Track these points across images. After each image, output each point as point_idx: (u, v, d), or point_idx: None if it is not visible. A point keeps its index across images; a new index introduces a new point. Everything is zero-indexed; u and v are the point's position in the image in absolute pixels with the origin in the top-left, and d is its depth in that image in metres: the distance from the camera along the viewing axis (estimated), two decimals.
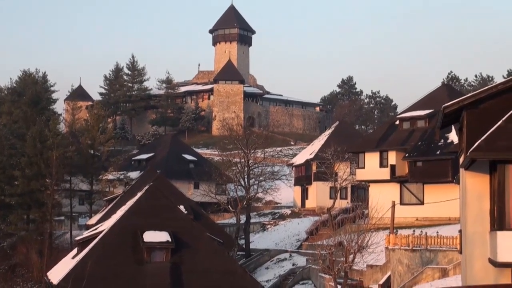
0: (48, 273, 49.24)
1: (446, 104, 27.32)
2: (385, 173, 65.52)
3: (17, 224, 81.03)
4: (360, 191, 79.80)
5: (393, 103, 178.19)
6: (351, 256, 44.18)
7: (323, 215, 76.06)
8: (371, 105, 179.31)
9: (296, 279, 59.33)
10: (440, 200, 57.95)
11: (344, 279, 45.09)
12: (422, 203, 63.36)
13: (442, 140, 61.61)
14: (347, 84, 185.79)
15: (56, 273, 45.60)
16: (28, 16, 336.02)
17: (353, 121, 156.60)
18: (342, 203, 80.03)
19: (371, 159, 67.07)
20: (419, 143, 63.72)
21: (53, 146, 79.42)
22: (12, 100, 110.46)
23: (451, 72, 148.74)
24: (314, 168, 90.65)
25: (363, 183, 72.99)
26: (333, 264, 44.42)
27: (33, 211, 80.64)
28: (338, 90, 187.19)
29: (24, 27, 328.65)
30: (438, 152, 61.42)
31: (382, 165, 66.37)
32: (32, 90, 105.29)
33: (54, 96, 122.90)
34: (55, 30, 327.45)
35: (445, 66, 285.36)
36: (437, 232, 48.42)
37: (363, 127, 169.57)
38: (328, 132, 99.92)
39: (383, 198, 55.93)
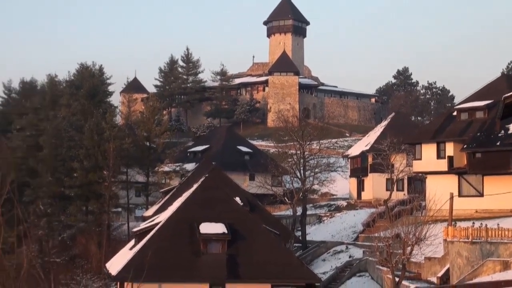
0: (106, 264, 49.78)
1: (507, 95, 26.78)
2: (443, 165, 64.60)
3: (77, 215, 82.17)
4: (417, 182, 78.77)
5: (450, 94, 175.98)
6: (409, 248, 43.61)
7: (379, 207, 75.34)
8: (428, 96, 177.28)
9: (353, 271, 58.96)
10: (500, 192, 56.88)
11: (402, 271, 44.56)
12: (481, 195, 62.31)
13: (503, 131, 60.46)
14: (403, 75, 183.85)
15: (115, 264, 46.07)
16: (85, 9, 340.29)
17: (409, 112, 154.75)
18: (399, 195, 79.16)
19: (428, 150, 66.19)
20: (478, 134, 62.63)
21: (110, 138, 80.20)
22: (70, 93, 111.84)
23: (511, 62, 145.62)
24: (370, 159, 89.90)
25: (420, 174, 72.07)
26: (391, 256, 43.92)
27: (91, 203, 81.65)
28: (393, 81, 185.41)
29: (82, 20, 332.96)
30: (498, 143, 60.26)
31: (439, 156, 65.42)
32: (90, 83, 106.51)
33: (110, 88, 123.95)
34: (112, 23, 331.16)
35: (504, 56, 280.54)
36: (498, 224, 47.52)
37: (419, 118, 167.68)
38: (384, 124, 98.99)
39: (440, 190, 55.12)
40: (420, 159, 67.30)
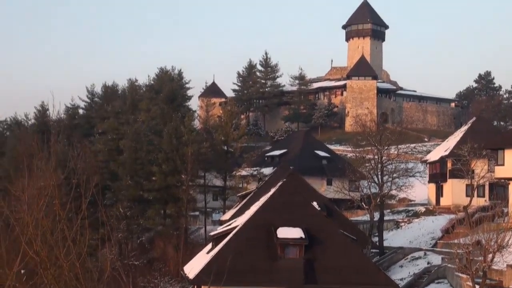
0: (184, 267, 50.36)
1: None
2: None
3: (155, 219, 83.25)
4: (499, 189, 77.21)
5: None
6: (490, 255, 42.87)
7: (459, 213, 74.22)
8: (511, 100, 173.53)
9: (431, 277, 58.20)
10: None
11: (482, 279, 43.80)
12: None
13: None
14: (485, 79, 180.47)
15: (192, 268, 46.57)
16: (164, 14, 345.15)
17: (491, 117, 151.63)
18: (480, 201, 77.80)
19: (511, 156, 64.89)
20: None
21: (188, 142, 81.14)
22: (150, 97, 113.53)
23: None
24: (449, 165, 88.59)
25: (503, 180, 70.70)
26: (471, 263, 43.24)
27: (169, 206, 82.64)
28: (474, 85, 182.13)
29: (161, 26, 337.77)
30: None
31: None
32: (169, 87, 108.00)
33: (189, 93, 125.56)
34: (191, 28, 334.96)
35: None
36: None
37: (502, 123, 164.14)
38: (464, 128, 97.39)
39: None
40: (503, 164, 66.04)
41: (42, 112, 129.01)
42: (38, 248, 18.50)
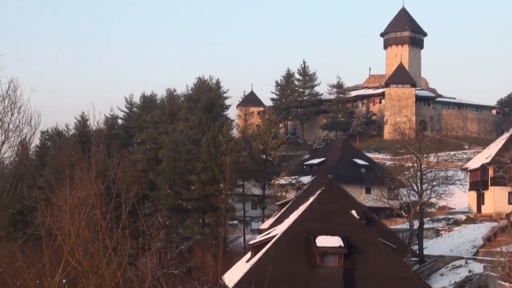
0: (223, 276, 50.47)
1: None
2: None
3: (194, 228, 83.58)
4: None
5: None
6: None
7: (501, 221, 73.42)
8: None
9: (472, 286, 57.63)
10: None
11: None
12: None
13: None
14: None
15: (231, 277, 46.66)
16: (204, 25, 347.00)
17: None
18: None
19: None
20: None
21: (226, 152, 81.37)
22: (188, 106, 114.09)
23: None
24: (490, 172, 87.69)
25: None
26: None
27: (208, 215, 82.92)
28: None
29: (201, 36, 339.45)
30: None
31: None
32: (207, 96, 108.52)
33: (227, 102, 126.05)
34: (228, 37, 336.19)
35: None
36: None
37: None
38: (506, 136, 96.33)
39: None
40: None
41: (83, 122, 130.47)
42: (80, 257, 18.73)
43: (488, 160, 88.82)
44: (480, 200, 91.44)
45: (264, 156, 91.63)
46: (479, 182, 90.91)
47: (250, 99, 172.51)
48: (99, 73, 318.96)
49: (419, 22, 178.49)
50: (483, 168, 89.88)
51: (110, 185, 23.53)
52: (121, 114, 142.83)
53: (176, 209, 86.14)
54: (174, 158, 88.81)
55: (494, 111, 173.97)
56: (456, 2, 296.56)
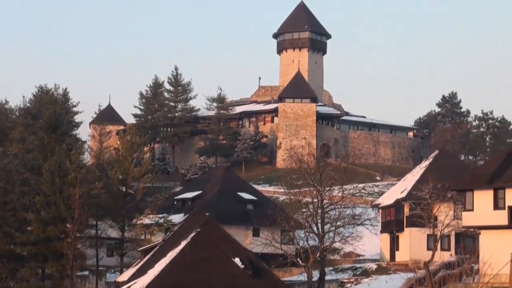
0: None
1: None
2: (501, 217, 64.31)
3: (30, 280, 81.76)
4: (467, 240, 78.52)
5: (511, 127, 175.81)
6: None
7: (418, 271, 75.01)
8: (482, 129, 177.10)
9: None
10: None
11: None
12: None
13: None
14: (450, 103, 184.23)
15: None
16: (44, 18, 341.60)
17: (457, 149, 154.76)
18: (444, 256, 78.69)
19: (483, 199, 65.95)
20: None
21: (75, 182, 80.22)
22: (24, 124, 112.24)
23: None
24: (406, 210, 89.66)
25: (472, 230, 71.85)
26: None
27: (49, 265, 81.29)
28: (437, 110, 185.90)
29: (41, 34, 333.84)
30: None
31: (497, 206, 65.21)
32: (50, 111, 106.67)
33: (77, 118, 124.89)
34: (77, 35, 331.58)
35: None
36: None
37: (470, 157, 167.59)
38: (424, 164, 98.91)
39: (498, 249, 54.96)
40: (472, 210, 67.03)
41: None
42: None
43: (403, 195, 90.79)
44: (394, 245, 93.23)
45: (124, 189, 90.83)
46: (393, 223, 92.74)
47: (107, 115, 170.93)
48: None
49: (321, 21, 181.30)
50: (398, 204, 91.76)
51: None
52: None
53: (7, 256, 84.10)
54: (5, 190, 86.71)
55: (411, 134, 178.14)
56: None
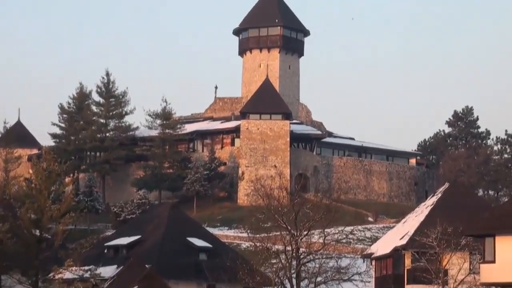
0: None
1: None
2: None
3: None
4: None
5: None
6: None
7: None
8: (505, 155, 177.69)
9: None
10: None
11: None
12: None
13: None
14: (463, 121, 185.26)
15: None
16: None
17: (473, 182, 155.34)
18: None
19: (507, 247, 66.27)
20: None
21: None
22: None
23: None
24: (408, 262, 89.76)
25: (493, 287, 72.09)
26: None
27: None
28: (447, 130, 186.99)
29: None
30: None
31: None
32: None
33: None
34: None
35: None
36: None
37: (491, 192, 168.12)
38: (431, 201, 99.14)
39: None
40: (493, 261, 67.28)
41: None
42: None
43: (403, 242, 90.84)
44: None
45: (37, 232, 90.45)
46: (390, 278, 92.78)
47: (16, 135, 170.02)
48: None
49: (297, 13, 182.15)
50: (396, 254, 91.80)
51: None
52: None
53: None
54: None
55: (413, 161, 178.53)
56: None
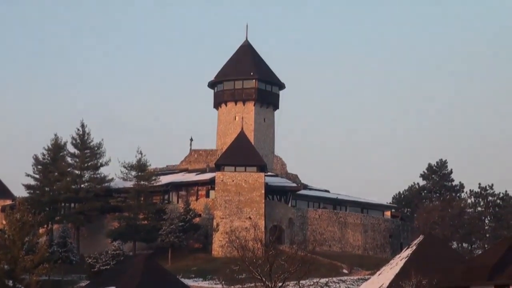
0: None
1: None
2: None
3: None
4: None
5: None
6: None
7: None
8: (479, 208, 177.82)
9: None
10: None
11: None
12: None
13: None
14: (437, 174, 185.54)
15: None
16: None
17: (448, 235, 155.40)
18: None
19: None
20: None
21: None
22: None
23: None
24: None
25: None
26: None
27: None
28: (422, 183, 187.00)
29: None
30: None
31: None
32: None
33: None
34: None
35: None
36: None
37: (465, 245, 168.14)
38: (406, 254, 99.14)
39: None
40: None
41: None
42: None
43: None
44: None
45: (11, 283, 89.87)
46: None
47: None
48: None
49: (272, 66, 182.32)
50: None
51: None
52: None
53: None
54: None
55: (388, 213, 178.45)
56: (330, 34, 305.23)
